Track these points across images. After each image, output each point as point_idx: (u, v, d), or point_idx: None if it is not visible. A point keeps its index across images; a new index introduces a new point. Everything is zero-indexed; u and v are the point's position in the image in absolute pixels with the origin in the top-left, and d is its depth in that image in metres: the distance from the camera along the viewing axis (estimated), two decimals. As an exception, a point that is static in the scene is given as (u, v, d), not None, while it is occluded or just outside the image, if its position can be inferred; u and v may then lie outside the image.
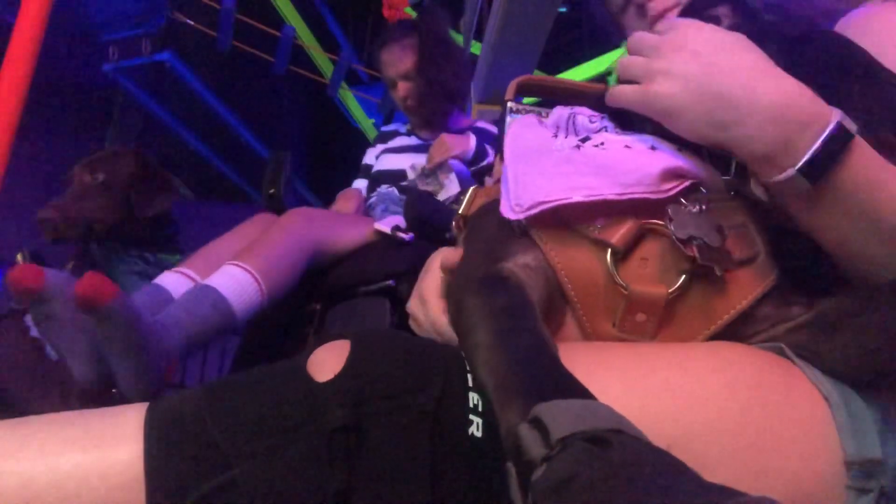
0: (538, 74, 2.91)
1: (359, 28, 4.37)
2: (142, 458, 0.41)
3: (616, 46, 3.39)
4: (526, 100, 0.74)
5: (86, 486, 0.40)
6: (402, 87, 1.79)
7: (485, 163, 1.61)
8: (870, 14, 0.64)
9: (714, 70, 0.49)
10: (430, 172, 1.59)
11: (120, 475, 0.41)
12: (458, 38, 3.46)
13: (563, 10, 3.80)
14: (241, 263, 1.13)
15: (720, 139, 0.50)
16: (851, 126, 0.46)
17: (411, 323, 0.67)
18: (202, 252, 1.29)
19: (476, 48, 3.08)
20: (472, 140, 1.61)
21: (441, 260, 0.63)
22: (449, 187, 1.53)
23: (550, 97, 0.80)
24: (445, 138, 1.61)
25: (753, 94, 0.48)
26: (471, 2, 3.10)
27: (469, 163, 1.60)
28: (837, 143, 0.46)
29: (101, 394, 0.95)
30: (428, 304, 0.63)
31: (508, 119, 0.69)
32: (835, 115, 0.46)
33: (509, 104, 0.70)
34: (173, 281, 1.18)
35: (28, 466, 0.40)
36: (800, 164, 0.46)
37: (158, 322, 0.96)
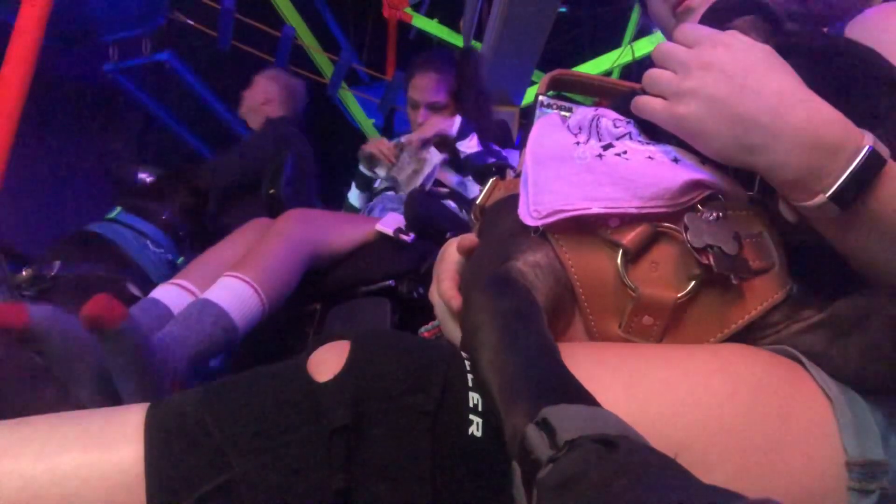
0: (538, 72, 2.91)
1: (359, 28, 4.36)
2: (142, 458, 0.41)
3: (616, 46, 3.40)
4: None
5: (86, 486, 0.40)
6: (424, 115, 1.82)
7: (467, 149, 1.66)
8: (881, 13, 0.64)
9: (743, 93, 0.48)
10: (413, 152, 1.70)
11: (120, 475, 0.41)
12: (458, 39, 3.46)
13: (563, 10, 3.80)
14: (239, 275, 1.12)
15: (748, 163, 0.49)
16: (884, 150, 0.45)
17: (436, 311, 0.66)
18: (198, 262, 1.27)
19: (476, 48, 3.07)
20: (456, 122, 1.71)
21: (458, 242, 0.63)
22: (427, 166, 1.65)
23: (583, 93, 0.80)
24: (432, 120, 1.74)
25: (783, 118, 0.47)
26: (471, 2, 3.10)
27: (455, 139, 1.70)
28: (869, 169, 0.45)
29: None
30: (441, 279, 0.63)
31: (538, 112, 0.69)
32: (867, 140, 0.45)
33: (540, 98, 0.71)
34: (171, 294, 1.16)
35: (29, 466, 0.40)
36: (830, 191, 0.45)
37: (162, 341, 0.95)
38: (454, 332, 0.61)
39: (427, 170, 1.63)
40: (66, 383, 0.91)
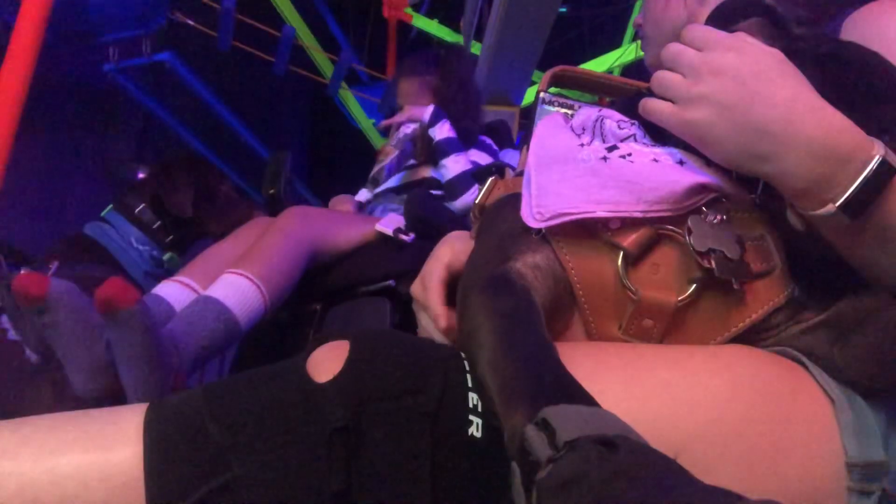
0: (538, 73, 2.92)
1: (359, 28, 4.37)
2: (142, 458, 0.41)
3: (616, 46, 3.40)
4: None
5: (85, 487, 0.40)
6: None
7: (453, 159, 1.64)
8: (878, 9, 0.63)
9: (754, 100, 0.47)
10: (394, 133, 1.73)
11: (120, 476, 0.41)
12: (458, 39, 3.46)
13: (563, 10, 3.80)
14: (241, 271, 1.12)
15: (757, 170, 0.49)
16: (894, 159, 0.45)
17: (414, 306, 0.66)
18: (200, 259, 1.27)
19: (476, 48, 3.07)
20: (429, 109, 1.68)
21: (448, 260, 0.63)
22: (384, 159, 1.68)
23: (584, 90, 0.80)
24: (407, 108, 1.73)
25: (794, 127, 0.46)
26: (471, 2, 3.10)
27: (427, 125, 1.67)
28: (879, 179, 0.44)
29: (98, 402, 0.95)
30: (428, 290, 0.63)
31: (540, 109, 0.69)
32: (877, 149, 0.45)
33: (542, 95, 0.70)
34: (173, 291, 1.16)
35: (28, 467, 0.40)
36: (840, 200, 0.45)
37: (165, 337, 0.96)
38: (428, 328, 0.62)
39: (384, 162, 1.66)
40: (63, 366, 0.91)
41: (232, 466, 0.41)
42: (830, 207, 0.45)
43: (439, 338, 0.60)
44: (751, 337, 0.53)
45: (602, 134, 0.59)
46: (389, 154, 1.73)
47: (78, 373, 0.91)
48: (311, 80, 3.49)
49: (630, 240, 0.51)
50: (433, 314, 0.60)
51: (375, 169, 1.73)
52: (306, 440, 0.42)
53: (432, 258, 0.66)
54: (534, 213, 0.54)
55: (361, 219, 1.50)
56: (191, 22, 2.92)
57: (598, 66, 3.27)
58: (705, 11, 0.68)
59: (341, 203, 1.81)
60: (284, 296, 1.18)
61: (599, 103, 0.81)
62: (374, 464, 0.42)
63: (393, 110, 2.01)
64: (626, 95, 0.74)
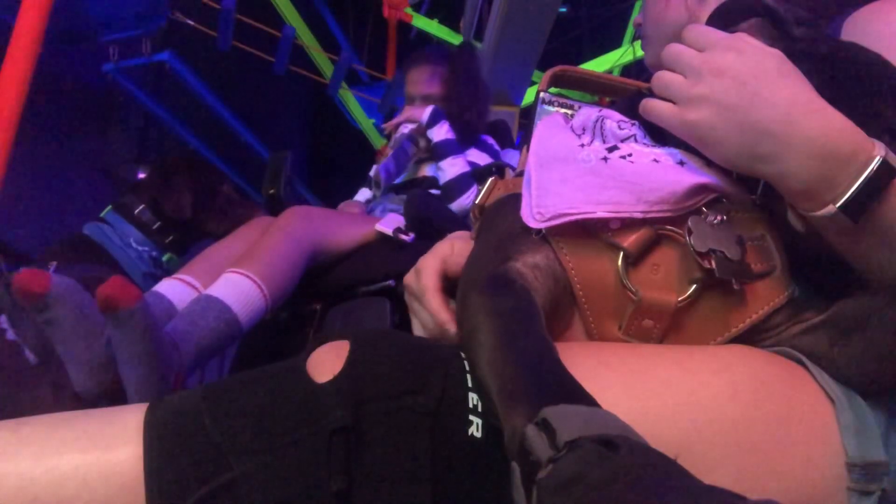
0: (538, 73, 2.92)
1: (359, 28, 4.37)
2: (141, 458, 0.41)
3: (616, 46, 3.40)
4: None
5: (85, 487, 0.40)
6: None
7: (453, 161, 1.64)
8: (879, 9, 0.63)
9: (755, 101, 0.47)
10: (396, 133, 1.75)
11: (120, 476, 0.41)
12: (458, 39, 3.46)
13: (563, 10, 3.81)
14: (242, 270, 1.12)
15: (758, 171, 0.49)
16: (894, 160, 0.45)
17: (407, 298, 0.66)
18: (202, 257, 1.27)
19: (477, 47, 3.07)
20: (428, 109, 1.69)
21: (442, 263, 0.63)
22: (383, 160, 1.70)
23: (584, 90, 0.80)
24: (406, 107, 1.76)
25: (795, 128, 0.46)
26: (471, 2, 3.10)
27: (425, 126, 1.68)
28: (880, 179, 0.44)
29: (97, 401, 0.95)
30: (424, 282, 0.62)
31: (540, 109, 0.69)
32: (878, 150, 0.45)
33: (542, 95, 0.70)
34: (174, 289, 1.16)
35: (28, 467, 0.40)
36: (841, 201, 0.45)
37: (167, 335, 0.96)
38: (423, 318, 0.61)
39: (382, 162, 1.68)
40: (63, 364, 0.91)
41: (232, 466, 0.41)
42: (831, 208, 0.45)
43: (432, 328, 0.60)
44: (751, 337, 0.53)
45: (602, 134, 0.59)
46: (388, 154, 1.74)
47: (78, 370, 0.91)
48: (311, 80, 3.49)
49: (630, 240, 0.51)
50: (428, 306, 0.60)
51: (374, 170, 1.73)
52: (306, 440, 0.42)
53: (430, 252, 0.66)
54: (534, 214, 0.54)
55: (361, 219, 1.50)
56: (191, 22, 2.92)
57: (598, 66, 3.27)
58: (706, 11, 0.69)
59: (349, 208, 1.81)
60: (285, 295, 1.19)
61: (599, 103, 0.81)
62: (374, 464, 0.42)
63: (393, 110, 2.00)
64: (626, 95, 0.74)
